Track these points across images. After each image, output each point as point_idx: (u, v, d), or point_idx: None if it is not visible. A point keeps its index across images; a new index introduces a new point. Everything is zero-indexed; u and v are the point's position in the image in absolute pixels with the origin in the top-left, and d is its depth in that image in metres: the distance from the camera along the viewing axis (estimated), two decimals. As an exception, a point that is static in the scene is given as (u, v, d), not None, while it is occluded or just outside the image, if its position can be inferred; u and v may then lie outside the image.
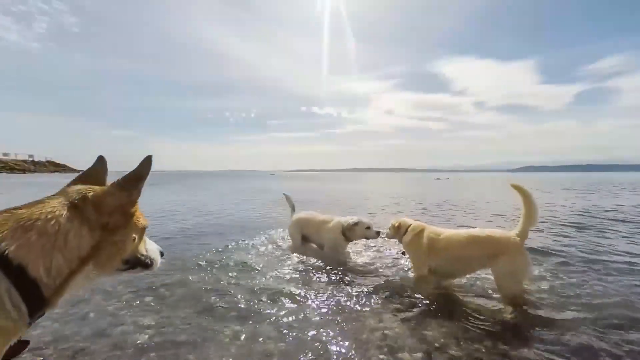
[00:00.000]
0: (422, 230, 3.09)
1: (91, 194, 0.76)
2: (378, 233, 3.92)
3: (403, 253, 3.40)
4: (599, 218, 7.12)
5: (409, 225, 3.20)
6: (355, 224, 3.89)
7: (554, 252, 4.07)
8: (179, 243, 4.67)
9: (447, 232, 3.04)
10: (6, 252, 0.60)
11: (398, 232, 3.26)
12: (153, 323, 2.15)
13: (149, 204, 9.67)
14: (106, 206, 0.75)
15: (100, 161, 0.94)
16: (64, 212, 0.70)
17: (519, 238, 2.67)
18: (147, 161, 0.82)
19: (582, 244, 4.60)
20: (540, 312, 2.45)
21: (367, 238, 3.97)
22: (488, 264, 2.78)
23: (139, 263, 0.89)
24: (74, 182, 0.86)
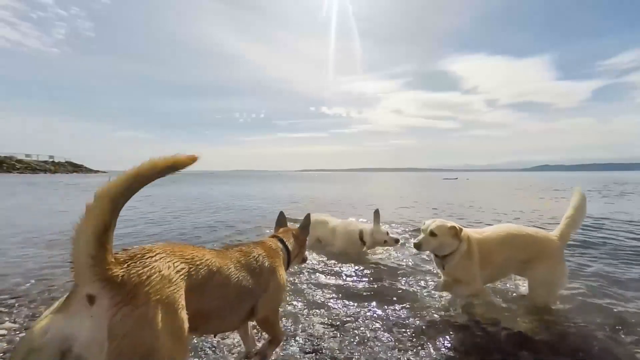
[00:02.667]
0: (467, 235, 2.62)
1: (294, 232, 2.21)
2: (397, 241, 3.92)
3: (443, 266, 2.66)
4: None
5: (460, 230, 2.52)
6: (377, 231, 3.91)
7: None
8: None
9: (483, 231, 2.70)
10: (287, 243, 2.05)
11: (454, 238, 2.49)
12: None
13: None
14: (300, 236, 2.22)
15: (282, 214, 2.36)
16: (291, 238, 2.15)
17: (559, 242, 2.48)
18: (307, 217, 2.31)
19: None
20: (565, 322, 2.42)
21: (386, 245, 3.98)
22: (524, 269, 2.56)
23: (305, 260, 2.31)
24: (278, 227, 2.28)
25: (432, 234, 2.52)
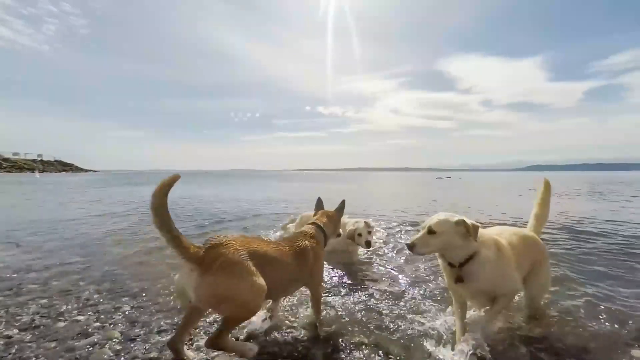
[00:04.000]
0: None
1: (329, 213, 2.69)
2: (369, 244, 3.78)
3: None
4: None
5: (475, 228, 1.97)
6: (364, 229, 3.83)
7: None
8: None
9: (500, 233, 2.31)
10: (323, 226, 2.53)
11: (464, 238, 1.98)
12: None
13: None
14: (335, 217, 2.69)
15: (319, 200, 2.81)
16: (325, 218, 2.62)
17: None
18: (343, 203, 2.77)
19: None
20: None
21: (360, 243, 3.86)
22: (527, 273, 2.34)
23: (339, 235, 3.24)
24: (317, 210, 2.76)
25: (431, 231, 1.98)
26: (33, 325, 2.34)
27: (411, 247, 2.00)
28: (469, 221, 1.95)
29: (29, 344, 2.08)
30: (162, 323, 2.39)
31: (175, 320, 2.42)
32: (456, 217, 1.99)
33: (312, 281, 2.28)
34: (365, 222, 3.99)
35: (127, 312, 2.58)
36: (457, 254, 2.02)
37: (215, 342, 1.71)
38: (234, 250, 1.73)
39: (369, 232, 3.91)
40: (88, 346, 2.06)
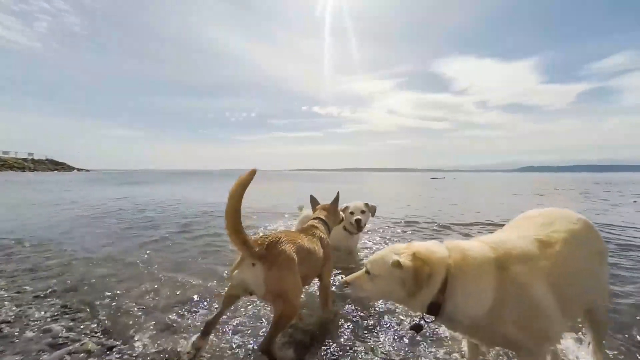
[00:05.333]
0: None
1: (326, 207, 2.90)
2: (358, 222, 3.59)
3: None
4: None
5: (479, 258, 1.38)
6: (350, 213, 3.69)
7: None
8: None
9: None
10: (325, 219, 2.76)
11: (414, 283, 1.37)
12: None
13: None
14: (331, 209, 2.89)
15: (312, 197, 3.10)
16: (326, 212, 2.86)
17: None
18: (337, 196, 2.95)
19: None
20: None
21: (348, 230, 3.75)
22: None
23: (341, 221, 3.10)
24: (314, 206, 3.00)
25: (367, 271, 1.54)
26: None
27: (347, 285, 1.61)
28: (408, 262, 1.36)
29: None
30: (142, 330, 2.24)
31: (154, 327, 2.27)
32: (395, 256, 1.41)
33: (325, 270, 2.42)
34: (365, 203, 3.83)
35: (103, 320, 2.42)
36: (410, 305, 1.46)
37: (268, 345, 1.76)
38: (290, 247, 1.92)
39: (363, 212, 3.72)
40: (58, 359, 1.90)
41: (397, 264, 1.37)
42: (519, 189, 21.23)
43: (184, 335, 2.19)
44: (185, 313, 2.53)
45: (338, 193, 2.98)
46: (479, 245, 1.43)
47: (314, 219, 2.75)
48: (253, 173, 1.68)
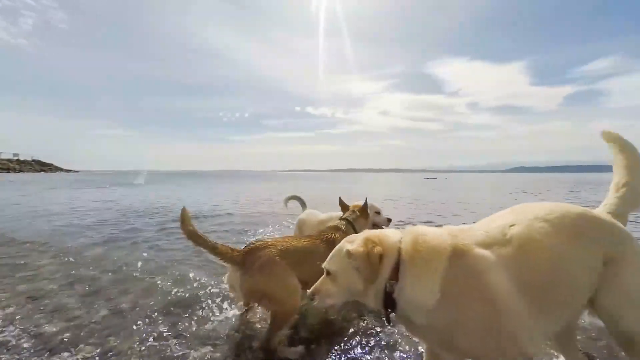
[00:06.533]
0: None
1: (357, 209, 2.83)
2: (389, 220, 3.25)
3: None
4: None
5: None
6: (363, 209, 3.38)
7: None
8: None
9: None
10: (352, 220, 2.72)
11: (372, 275, 1.28)
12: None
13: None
14: (361, 211, 2.83)
15: (340, 200, 3.05)
16: (355, 214, 2.78)
17: None
18: (366, 203, 2.90)
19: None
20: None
21: (377, 226, 3.10)
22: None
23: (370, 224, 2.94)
24: (344, 209, 2.94)
25: (328, 272, 1.39)
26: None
27: (312, 298, 1.39)
28: (359, 248, 1.27)
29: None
30: (143, 329, 2.21)
31: (160, 328, 2.23)
32: (349, 245, 1.33)
33: None
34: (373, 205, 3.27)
35: (102, 321, 2.36)
36: (368, 299, 1.31)
37: (266, 343, 1.91)
38: (269, 252, 1.97)
39: (378, 214, 3.24)
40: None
41: (349, 252, 1.29)
42: (513, 188, 21.69)
43: (183, 340, 2.17)
44: (181, 312, 2.51)
45: (367, 199, 2.97)
46: (435, 231, 1.32)
47: (341, 219, 2.72)
48: (185, 211, 1.96)
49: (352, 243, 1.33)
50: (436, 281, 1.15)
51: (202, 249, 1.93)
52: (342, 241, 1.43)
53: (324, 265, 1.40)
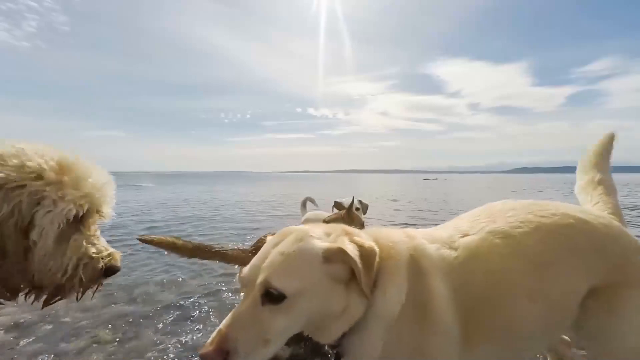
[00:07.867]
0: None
1: (344, 213, 2.38)
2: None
3: None
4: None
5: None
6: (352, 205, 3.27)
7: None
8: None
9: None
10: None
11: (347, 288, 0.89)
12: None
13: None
14: (349, 212, 2.36)
15: (336, 203, 3.35)
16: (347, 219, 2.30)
17: None
18: (352, 202, 2.59)
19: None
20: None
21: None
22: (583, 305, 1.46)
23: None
24: (340, 209, 2.80)
25: (270, 293, 0.84)
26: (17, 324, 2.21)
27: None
28: (348, 245, 0.88)
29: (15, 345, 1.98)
30: (158, 320, 2.30)
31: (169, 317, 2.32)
32: (319, 242, 0.90)
33: None
34: (359, 200, 3.39)
35: (118, 311, 2.47)
36: (334, 331, 0.91)
37: None
38: None
39: (358, 209, 3.24)
40: (76, 349, 1.96)
41: (337, 252, 0.86)
42: (520, 188, 21.52)
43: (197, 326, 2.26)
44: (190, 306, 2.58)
45: (353, 197, 2.96)
46: (395, 232, 1.08)
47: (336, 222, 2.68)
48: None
49: (321, 239, 0.91)
50: (403, 285, 0.92)
51: (210, 260, 1.82)
52: (289, 239, 0.93)
53: (265, 282, 0.83)
